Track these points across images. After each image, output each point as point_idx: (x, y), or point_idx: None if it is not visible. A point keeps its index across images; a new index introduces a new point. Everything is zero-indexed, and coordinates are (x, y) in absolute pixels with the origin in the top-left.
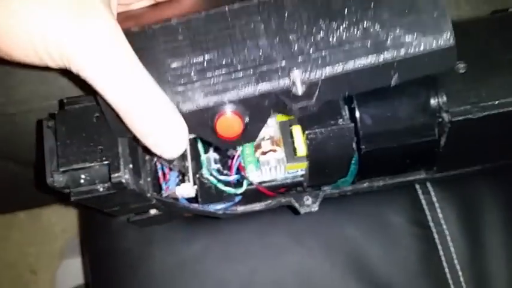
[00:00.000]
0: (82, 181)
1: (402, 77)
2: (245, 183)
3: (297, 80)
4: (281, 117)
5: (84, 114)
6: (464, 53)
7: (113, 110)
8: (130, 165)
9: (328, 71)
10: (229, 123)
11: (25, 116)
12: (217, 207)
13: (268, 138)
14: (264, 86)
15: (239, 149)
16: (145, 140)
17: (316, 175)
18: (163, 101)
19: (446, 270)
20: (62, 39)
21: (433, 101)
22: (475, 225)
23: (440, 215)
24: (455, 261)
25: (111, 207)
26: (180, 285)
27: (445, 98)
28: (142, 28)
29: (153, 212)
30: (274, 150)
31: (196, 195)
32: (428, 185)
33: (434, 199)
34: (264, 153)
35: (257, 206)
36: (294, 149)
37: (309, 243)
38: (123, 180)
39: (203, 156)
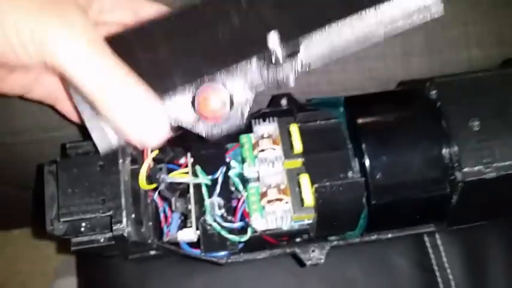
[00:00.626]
0: (82, 229)
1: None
2: (249, 230)
3: (276, 41)
4: (288, 165)
5: (87, 163)
6: (478, 110)
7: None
8: (133, 215)
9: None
10: (211, 97)
11: (24, 146)
12: (220, 255)
13: (274, 186)
14: (244, 54)
15: (244, 194)
16: (125, 127)
17: (324, 227)
18: (139, 86)
19: None
20: (35, 27)
21: (445, 158)
22: (479, 271)
23: (444, 259)
24: None
25: (111, 253)
26: None
27: (458, 156)
28: (120, 32)
29: (152, 252)
30: (281, 199)
31: (198, 240)
32: None
33: (439, 242)
34: (270, 201)
35: (261, 255)
36: (302, 199)
37: (313, 285)
38: (125, 234)
39: (207, 201)
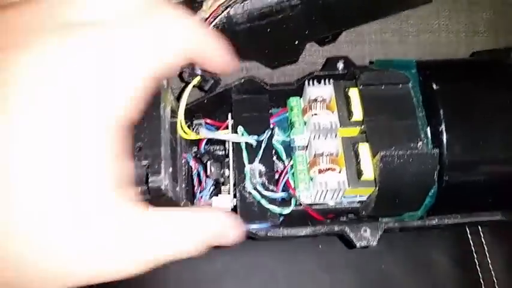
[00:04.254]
0: None
1: None
2: (293, 202)
3: None
4: (344, 132)
5: None
6: None
7: None
8: (170, 169)
9: None
10: None
11: None
12: (259, 227)
13: (327, 155)
14: None
15: (288, 165)
16: None
17: (383, 205)
18: None
19: None
20: None
21: None
22: None
23: (488, 260)
24: None
25: None
26: None
27: None
28: None
29: None
30: (333, 169)
31: (234, 209)
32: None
33: (483, 241)
34: (320, 171)
35: (303, 231)
36: (359, 172)
37: (341, 276)
38: (163, 187)
39: (247, 167)
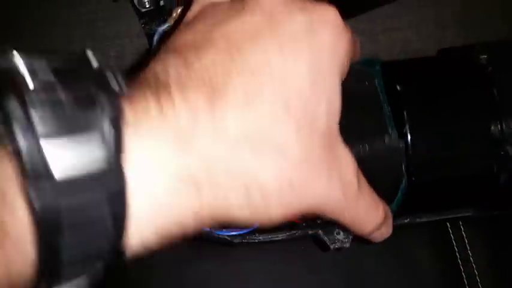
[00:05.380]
0: None
1: None
2: None
3: None
4: None
5: None
6: None
7: None
8: None
9: None
10: None
11: None
12: (234, 233)
13: None
14: None
15: None
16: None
17: None
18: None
19: None
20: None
21: (496, 130)
22: (505, 265)
23: (469, 252)
24: None
25: None
26: None
27: (510, 129)
28: None
29: None
30: None
31: None
32: None
33: (464, 234)
34: None
35: (279, 236)
36: None
37: (326, 276)
38: None
39: None
